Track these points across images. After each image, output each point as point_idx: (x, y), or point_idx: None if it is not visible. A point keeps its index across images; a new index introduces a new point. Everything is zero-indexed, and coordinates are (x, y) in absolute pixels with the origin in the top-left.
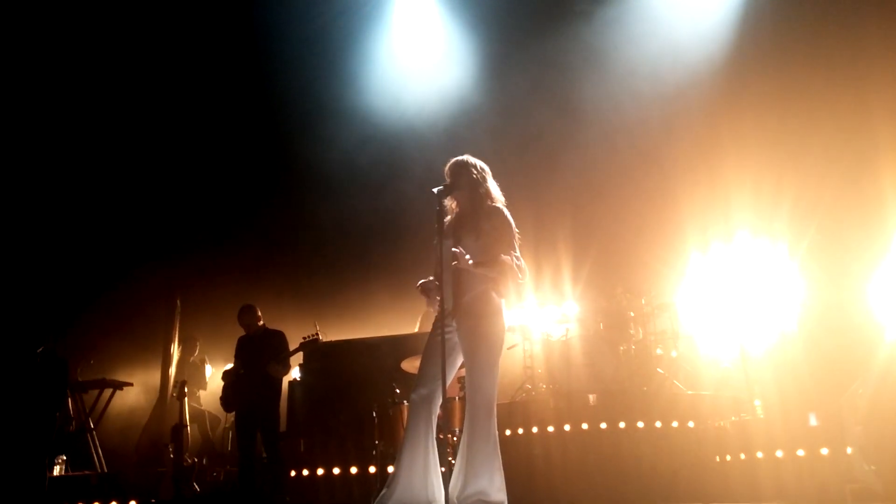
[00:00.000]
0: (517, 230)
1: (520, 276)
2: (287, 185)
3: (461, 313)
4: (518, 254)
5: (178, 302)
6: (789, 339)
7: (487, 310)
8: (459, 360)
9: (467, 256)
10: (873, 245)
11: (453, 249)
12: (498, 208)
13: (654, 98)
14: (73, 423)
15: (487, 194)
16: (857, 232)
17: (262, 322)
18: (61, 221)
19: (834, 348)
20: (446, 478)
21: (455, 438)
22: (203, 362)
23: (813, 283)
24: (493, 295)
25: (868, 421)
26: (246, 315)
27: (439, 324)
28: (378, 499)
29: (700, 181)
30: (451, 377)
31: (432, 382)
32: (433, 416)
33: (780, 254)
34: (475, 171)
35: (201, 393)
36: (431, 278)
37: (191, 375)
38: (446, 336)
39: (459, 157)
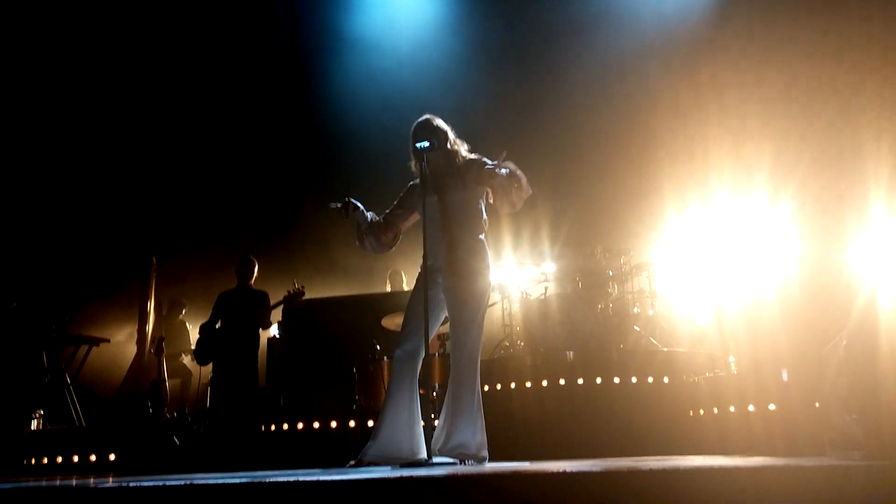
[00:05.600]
0: None
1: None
2: (263, 141)
3: (449, 268)
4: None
5: (154, 259)
6: (765, 298)
7: (477, 266)
8: (443, 316)
9: (490, 164)
10: (854, 205)
11: (488, 163)
12: (474, 158)
13: (635, 57)
14: (48, 375)
15: (459, 149)
16: (837, 191)
17: (254, 279)
18: (38, 183)
19: (811, 307)
20: (429, 432)
21: (435, 394)
22: (185, 325)
23: (790, 242)
24: (482, 252)
25: (849, 371)
26: (244, 266)
27: (423, 279)
28: (363, 451)
29: (680, 142)
30: (433, 333)
31: (417, 338)
32: (417, 372)
33: (757, 215)
34: (445, 130)
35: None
36: (363, 211)
37: (178, 338)
38: (430, 292)
39: (427, 117)
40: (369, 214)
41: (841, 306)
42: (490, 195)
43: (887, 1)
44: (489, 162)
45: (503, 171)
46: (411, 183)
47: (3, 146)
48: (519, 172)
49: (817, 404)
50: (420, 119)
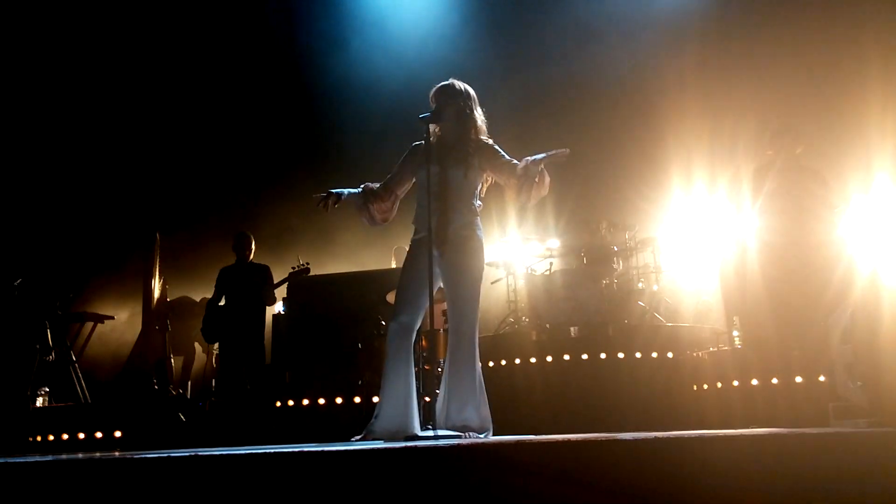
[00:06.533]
0: None
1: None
2: (266, 116)
3: (446, 242)
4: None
5: (158, 235)
6: (764, 272)
7: (473, 242)
8: (437, 288)
9: (543, 156)
10: (852, 177)
11: (554, 152)
12: (488, 143)
13: (642, 31)
14: (53, 353)
15: (474, 125)
16: (836, 165)
17: (252, 254)
18: (40, 161)
19: (808, 280)
20: (432, 407)
21: (440, 370)
22: None
23: (785, 217)
24: (478, 226)
25: (855, 338)
26: (241, 242)
27: (417, 251)
28: (367, 428)
29: (685, 116)
30: (427, 305)
31: (412, 311)
32: (412, 345)
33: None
34: (462, 100)
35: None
36: (361, 189)
37: None
38: (424, 264)
39: (446, 83)
40: (360, 188)
41: (833, 279)
42: (486, 185)
43: None
44: (505, 154)
45: (540, 168)
46: (415, 143)
47: (6, 125)
48: (546, 173)
49: (822, 378)
50: (443, 82)
